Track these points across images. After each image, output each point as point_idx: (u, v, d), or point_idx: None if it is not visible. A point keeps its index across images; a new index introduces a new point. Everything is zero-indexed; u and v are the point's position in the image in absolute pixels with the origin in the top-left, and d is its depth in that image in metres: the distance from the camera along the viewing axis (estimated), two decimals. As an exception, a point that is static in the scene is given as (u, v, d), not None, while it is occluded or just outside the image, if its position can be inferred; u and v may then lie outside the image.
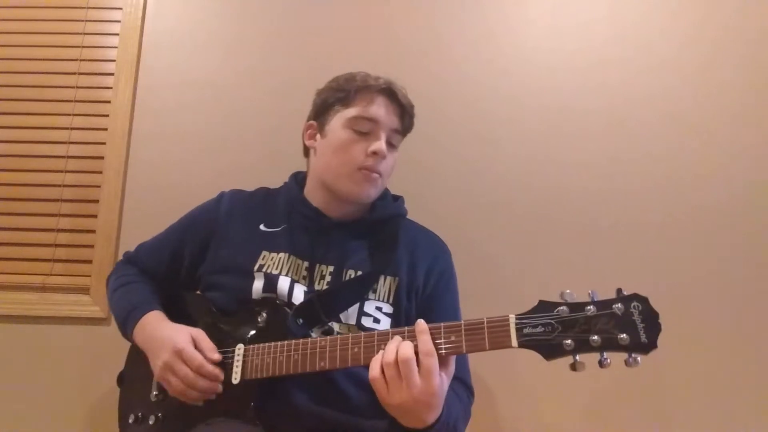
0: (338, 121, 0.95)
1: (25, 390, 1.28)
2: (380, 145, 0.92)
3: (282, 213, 0.99)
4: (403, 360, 0.69)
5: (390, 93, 0.95)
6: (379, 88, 0.94)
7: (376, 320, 0.90)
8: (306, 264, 0.93)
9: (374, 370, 0.72)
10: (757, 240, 1.25)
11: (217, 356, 0.84)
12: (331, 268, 0.92)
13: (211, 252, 0.98)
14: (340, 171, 0.94)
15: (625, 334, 0.63)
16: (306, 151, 1.04)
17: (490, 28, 1.38)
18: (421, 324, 0.72)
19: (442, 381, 0.70)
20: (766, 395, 1.19)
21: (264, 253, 0.94)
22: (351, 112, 0.94)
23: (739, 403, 1.19)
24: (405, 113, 0.97)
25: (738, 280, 1.23)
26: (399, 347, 0.70)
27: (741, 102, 1.30)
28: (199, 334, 0.87)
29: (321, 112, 0.99)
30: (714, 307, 1.23)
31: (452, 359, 0.73)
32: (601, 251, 1.27)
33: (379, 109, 0.94)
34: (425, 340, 0.70)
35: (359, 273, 0.92)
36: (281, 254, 0.93)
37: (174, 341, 0.84)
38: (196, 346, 0.84)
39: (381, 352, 0.73)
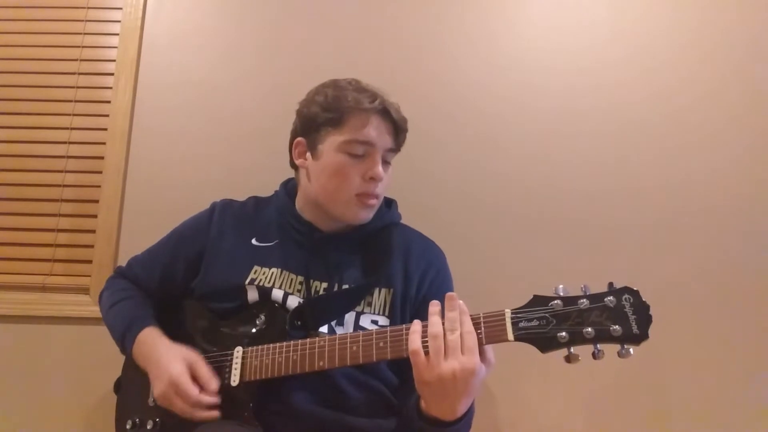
0: (331, 144, 0.91)
1: (25, 390, 1.28)
2: (377, 170, 0.90)
3: (274, 226, 0.98)
4: (450, 330, 0.69)
5: (384, 113, 0.91)
6: (373, 111, 0.90)
7: None
8: (300, 278, 0.92)
9: (414, 343, 0.71)
10: (758, 240, 1.25)
11: (214, 386, 0.82)
12: (325, 284, 0.91)
13: (203, 266, 0.97)
14: (336, 197, 0.92)
15: (617, 326, 0.64)
16: (294, 163, 1.00)
17: (490, 28, 1.38)
18: (461, 306, 0.72)
19: (480, 367, 0.70)
20: (766, 395, 1.19)
21: (256, 267, 0.93)
22: (344, 135, 0.90)
23: (739, 403, 1.19)
24: (399, 131, 0.94)
25: (737, 279, 1.24)
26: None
27: (741, 102, 1.30)
28: (196, 360, 0.85)
29: (309, 130, 0.94)
30: (714, 307, 1.23)
31: (490, 351, 0.72)
32: (598, 252, 1.27)
33: (374, 131, 0.90)
34: (466, 321, 0.71)
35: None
36: (273, 269, 0.93)
37: (170, 372, 0.82)
38: (192, 375, 0.83)
39: (415, 330, 0.72)
